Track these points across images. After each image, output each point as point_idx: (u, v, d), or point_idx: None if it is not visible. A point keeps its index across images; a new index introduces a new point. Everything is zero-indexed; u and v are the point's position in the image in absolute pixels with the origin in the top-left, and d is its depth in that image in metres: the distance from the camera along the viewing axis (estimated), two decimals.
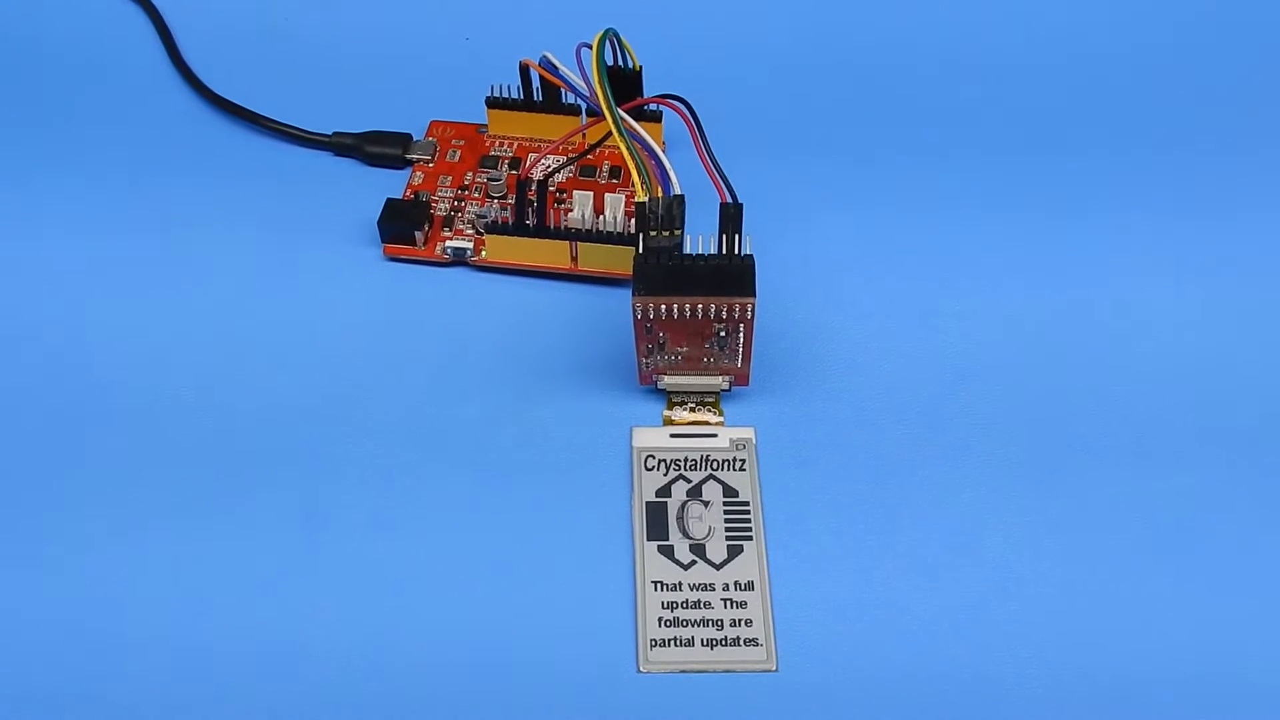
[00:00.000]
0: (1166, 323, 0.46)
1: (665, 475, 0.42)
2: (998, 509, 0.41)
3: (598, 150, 0.49)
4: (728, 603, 0.39)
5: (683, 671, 0.38)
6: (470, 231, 0.48)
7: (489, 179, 0.50)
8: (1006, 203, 0.50)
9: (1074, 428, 0.43)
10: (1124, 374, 0.45)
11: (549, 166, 0.48)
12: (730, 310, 0.40)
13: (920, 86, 0.55)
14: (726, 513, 0.41)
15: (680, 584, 0.40)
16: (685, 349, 0.42)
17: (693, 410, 0.44)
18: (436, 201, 0.49)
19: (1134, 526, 0.41)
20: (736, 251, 0.40)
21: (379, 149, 0.51)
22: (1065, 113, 0.54)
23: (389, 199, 0.48)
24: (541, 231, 0.46)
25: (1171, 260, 0.48)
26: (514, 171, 0.50)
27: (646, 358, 0.43)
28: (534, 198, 0.46)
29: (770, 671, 0.38)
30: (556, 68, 0.47)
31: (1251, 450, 0.43)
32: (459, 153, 0.51)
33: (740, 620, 0.39)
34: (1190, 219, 0.49)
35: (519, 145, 0.51)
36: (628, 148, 0.41)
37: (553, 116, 0.50)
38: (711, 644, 0.38)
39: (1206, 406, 0.44)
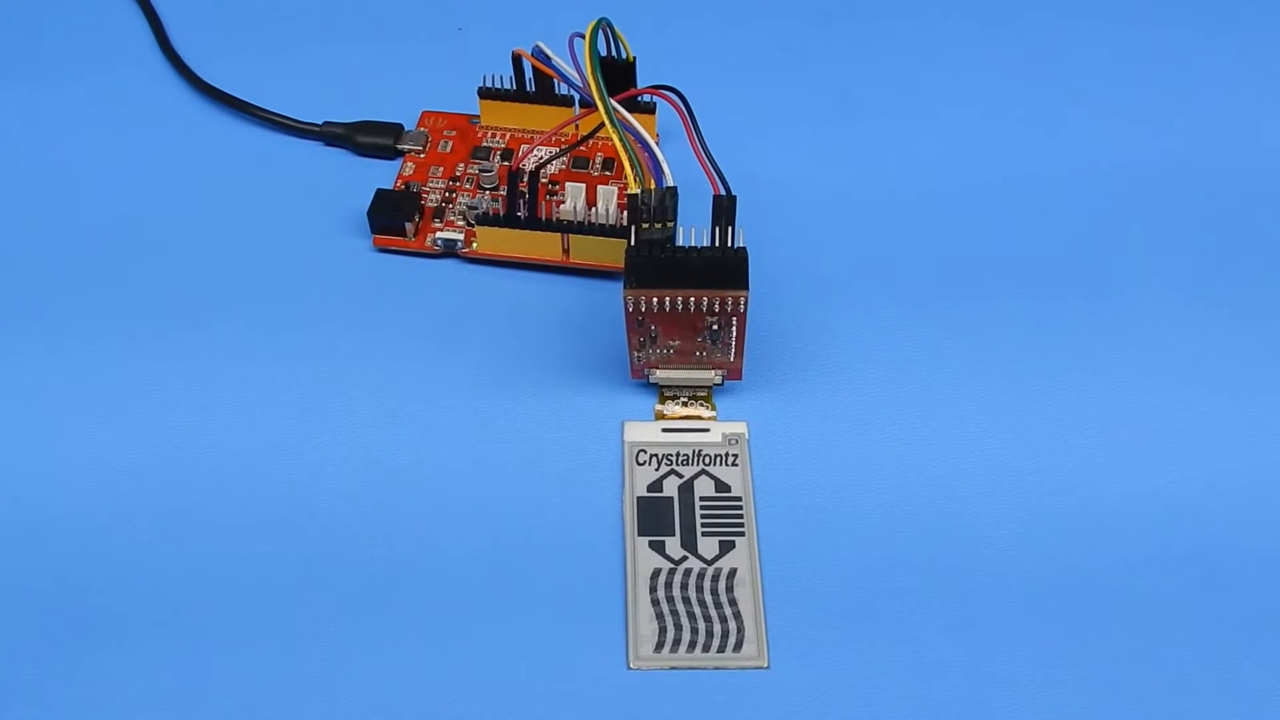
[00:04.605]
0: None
1: (657, 470, 0.42)
2: (994, 503, 0.41)
3: (590, 141, 0.48)
4: (719, 599, 0.39)
5: (673, 669, 0.38)
6: (461, 223, 0.48)
7: (480, 170, 0.49)
8: (1012, 194, 0.50)
9: (1077, 399, 0.43)
10: (1117, 354, 0.45)
11: (541, 157, 0.48)
12: (723, 303, 0.40)
13: (913, 76, 0.54)
14: (719, 508, 0.41)
15: (671, 580, 0.39)
16: (677, 342, 0.42)
17: (685, 405, 0.44)
18: (427, 192, 0.49)
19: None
20: (730, 244, 0.40)
21: (370, 139, 0.51)
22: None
23: (379, 189, 0.48)
24: (533, 223, 0.46)
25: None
26: (506, 162, 0.50)
27: (638, 351, 0.42)
28: (526, 189, 0.45)
29: (762, 669, 0.38)
30: (549, 58, 0.47)
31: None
32: (451, 143, 0.51)
33: (732, 616, 0.38)
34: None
35: (511, 136, 0.51)
36: (620, 139, 0.41)
37: (545, 107, 0.50)
38: (702, 641, 0.38)
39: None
